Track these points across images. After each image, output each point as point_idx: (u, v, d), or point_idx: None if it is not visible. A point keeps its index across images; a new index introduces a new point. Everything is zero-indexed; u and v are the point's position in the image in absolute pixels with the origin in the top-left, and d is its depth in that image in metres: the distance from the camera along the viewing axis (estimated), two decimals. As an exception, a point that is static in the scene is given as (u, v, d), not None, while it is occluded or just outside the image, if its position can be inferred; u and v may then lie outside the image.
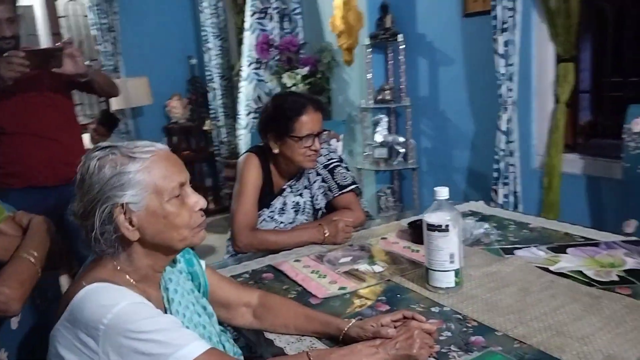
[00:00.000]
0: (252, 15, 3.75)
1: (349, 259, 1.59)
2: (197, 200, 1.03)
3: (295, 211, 1.88)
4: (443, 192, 1.33)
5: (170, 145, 5.03)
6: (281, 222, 1.86)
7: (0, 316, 0.97)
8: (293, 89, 3.29)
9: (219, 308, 1.22)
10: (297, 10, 3.73)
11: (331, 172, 1.88)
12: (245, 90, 3.75)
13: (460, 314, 1.22)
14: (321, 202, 1.90)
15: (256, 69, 3.70)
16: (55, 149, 2.27)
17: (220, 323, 1.22)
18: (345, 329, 1.11)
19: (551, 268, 1.42)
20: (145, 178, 0.97)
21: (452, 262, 1.30)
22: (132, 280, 1.01)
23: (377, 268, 1.51)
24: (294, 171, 1.85)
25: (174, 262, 1.16)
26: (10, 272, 1.01)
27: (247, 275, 1.52)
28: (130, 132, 4.78)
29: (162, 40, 4.91)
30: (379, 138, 3.11)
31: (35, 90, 2.23)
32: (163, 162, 1.00)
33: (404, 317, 1.10)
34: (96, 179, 0.96)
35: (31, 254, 1.05)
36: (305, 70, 3.40)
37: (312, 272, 1.51)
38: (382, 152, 3.14)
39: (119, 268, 1.00)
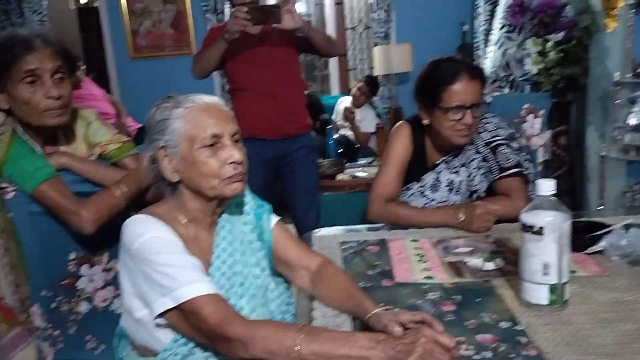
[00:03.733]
0: (513, -25, 3.41)
1: (468, 249, 1.41)
2: (230, 154, 1.08)
3: (449, 190, 1.72)
4: (546, 187, 1.06)
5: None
6: (432, 200, 1.73)
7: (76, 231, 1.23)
8: (533, 57, 2.90)
9: (283, 266, 1.25)
10: (567, -33, 3.23)
11: (493, 150, 1.65)
12: (493, 56, 3.48)
13: (527, 337, 0.98)
14: (479, 184, 1.69)
15: (508, 32, 3.38)
16: (277, 106, 2.53)
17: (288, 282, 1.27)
18: (369, 315, 1.02)
19: None
20: (182, 125, 1.06)
21: (545, 274, 1.05)
22: (184, 220, 1.13)
23: (489, 266, 1.30)
24: (449, 145, 1.69)
25: (242, 213, 1.24)
26: (94, 198, 1.25)
27: (354, 244, 1.50)
28: (392, 97, 4.95)
29: (436, 6, 4.86)
30: (633, 120, 2.52)
31: (265, 51, 2.51)
32: (201, 113, 1.07)
33: (423, 321, 0.95)
34: (150, 122, 1.10)
35: (120, 188, 1.27)
36: (559, 35, 2.95)
37: (416, 255, 1.40)
38: (635, 138, 2.54)
39: (174, 206, 1.14)
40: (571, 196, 3.14)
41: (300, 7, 5.34)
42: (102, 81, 4.94)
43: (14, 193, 1.22)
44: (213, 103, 1.11)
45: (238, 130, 1.13)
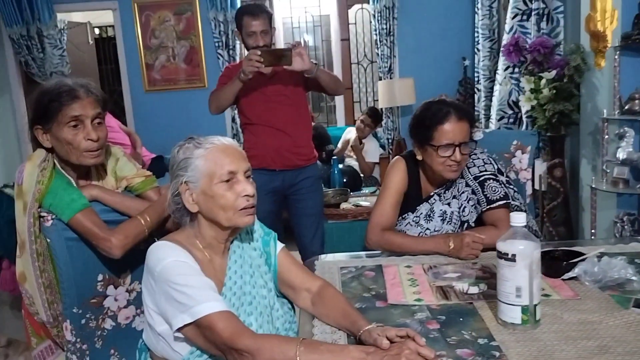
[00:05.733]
0: (514, 17, 3.62)
1: (456, 275, 1.55)
2: (244, 188, 1.24)
3: (442, 220, 1.87)
4: (519, 219, 1.21)
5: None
6: (427, 229, 1.88)
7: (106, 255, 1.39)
8: (526, 94, 3.07)
9: (286, 288, 1.40)
10: (560, 9, 3.43)
11: (481, 184, 1.80)
12: (499, 94, 3.66)
13: (500, 351, 1.11)
14: (469, 215, 1.83)
15: (512, 72, 3.56)
16: (285, 139, 2.70)
17: (291, 302, 1.42)
18: (361, 332, 1.16)
19: (672, 334, 1.14)
20: (203, 163, 1.23)
21: (518, 296, 1.19)
22: (200, 245, 1.29)
23: (473, 289, 1.44)
24: (441, 179, 1.84)
25: (251, 239, 1.39)
26: (122, 227, 1.41)
27: (353, 269, 1.64)
28: (397, 128, 5.13)
29: (438, 42, 5.07)
30: (621, 154, 2.67)
31: (276, 89, 2.68)
32: (218, 153, 1.24)
33: (408, 336, 1.09)
34: (174, 160, 1.27)
35: (144, 218, 1.43)
36: (552, 74, 3.13)
37: (408, 280, 1.54)
38: (623, 172, 2.69)
39: (192, 234, 1.29)
40: (566, 226, 3.27)
41: (309, 42, 5.58)
42: (119, 112, 5.18)
43: (52, 221, 1.39)
44: (229, 144, 1.28)
45: (249, 167, 1.29)
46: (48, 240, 1.41)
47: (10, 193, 1.49)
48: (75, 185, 1.45)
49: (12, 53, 4.89)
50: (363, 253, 1.84)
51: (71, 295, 1.42)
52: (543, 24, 3.48)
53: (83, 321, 1.44)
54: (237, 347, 1.09)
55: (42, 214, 1.39)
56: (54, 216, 1.39)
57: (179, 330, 1.16)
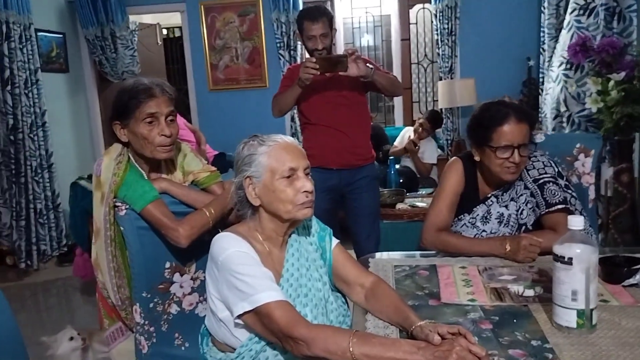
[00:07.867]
0: (572, 12, 3.52)
1: (511, 277, 1.55)
2: (303, 184, 1.29)
3: (499, 222, 1.86)
4: (577, 222, 1.20)
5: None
6: (483, 231, 1.87)
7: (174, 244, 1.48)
8: (592, 96, 2.98)
9: (341, 283, 1.45)
10: (633, 8, 3.29)
11: (541, 187, 1.78)
12: (552, 92, 3.56)
13: (553, 354, 1.11)
14: (527, 218, 1.82)
15: (566, 69, 3.46)
16: (343, 139, 2.75)
17: (345, 297, 1.46)
18: (413, 327, 1.19)
19: None
20: (265, 159, 1.29)
21: (574, 300, 1.18)
22: (260, 238, 1.35)
23: (528, 292, 1.43)
24: (499, 181, 1.83)
25: (308, 234, 1.44)
26: (189, 218, 1.50)
27: (406, 268, 1.67)
28: (456, 129, 5.08)
29: (501, 42, 4.97)
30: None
31: (335, 90, 2.74)
32: (280, 150, 1.30)
33: (459, 333, 1.11)
34: (239, 156, 1.34)
35: (209, 210, 1.52)
36: (621, 75, 3.01)
37: (462, 280, 1.55)
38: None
39: (253, 227, 1.36)
40: (633, 233, 3.14)
41: (369, 42, 5.60)
42: (185, 110, 5.39)
43: (125, 211, 1.50)
44: (291, 142, 1.34)
45: (309, 165, 1.34)
46: (122, 228, 1.52)
47: (84, 185, 1.62)
48: (147, 178, 1.56)
49: (88, 53, 5.19)
50: (417, 252, 1.85)
51: (141, 280, 1.53)
52: (614, 23, 3.36)
53: (151, 305, 1.55)
54: (292, 336, 1.15)
55: (117, 204, 1.51)
56: (127, 206, 1.49)
57: (239, 317, 1.23)
